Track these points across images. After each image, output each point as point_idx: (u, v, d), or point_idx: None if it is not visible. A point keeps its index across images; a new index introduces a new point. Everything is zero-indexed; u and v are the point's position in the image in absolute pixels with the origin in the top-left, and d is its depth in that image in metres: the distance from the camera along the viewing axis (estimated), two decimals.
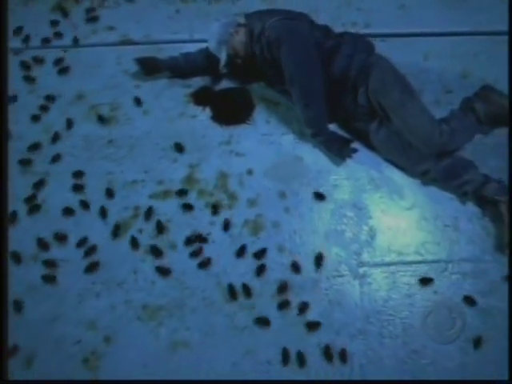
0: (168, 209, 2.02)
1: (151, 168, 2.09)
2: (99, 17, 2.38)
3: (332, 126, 2.08)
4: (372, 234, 1.98)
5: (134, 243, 1.97)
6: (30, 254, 1.96)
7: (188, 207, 2.01)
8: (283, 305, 1.87)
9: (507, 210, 1.88)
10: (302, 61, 1.95)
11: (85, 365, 1.83)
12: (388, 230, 1.98)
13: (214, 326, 1.86)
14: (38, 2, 2.43)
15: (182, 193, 2.04)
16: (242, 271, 1.93)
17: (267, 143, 2.13)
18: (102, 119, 2.16)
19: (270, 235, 1.97)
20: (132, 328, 1.87)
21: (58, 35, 2.33)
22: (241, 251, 1.94)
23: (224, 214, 2.01)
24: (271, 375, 1.81)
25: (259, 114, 2.18)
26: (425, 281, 1.89)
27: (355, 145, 2.05)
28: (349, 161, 2.06)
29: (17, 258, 1.95)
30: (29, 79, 2.26)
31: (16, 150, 2.12)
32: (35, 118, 2.17)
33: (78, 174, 2.07)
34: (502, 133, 2.06)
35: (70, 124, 2.15)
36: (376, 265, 1.94)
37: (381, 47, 2.10)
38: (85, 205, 2.03)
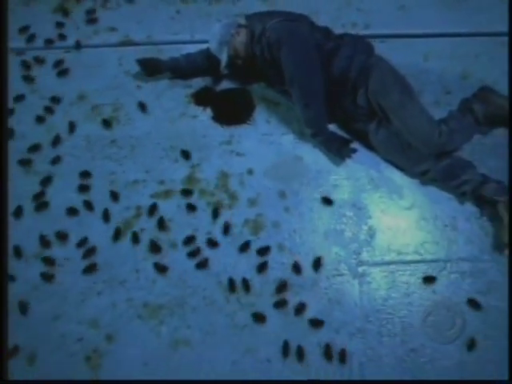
0: (169, 208, 2.03)
1: (153, 168, 2.10)
2: (101, 18, 2.39)
3: (332, 127, 2.09)
4: (371, 234, 1.99)
5: (135, 240, 1.98)
6: (32, 252, 1.98)
7: (191, 207, 2.02)
8: (281, 304, 1.89)
9: (505, 209, 1.89)
10: (302, 62, 1.96)
11: (87, 363, 1.85)
12: (387, 229, 2.00)
13: (215, 325, 1.88)
14: (40, 3, 2.43)
15: (187, 192, 2.05)
16: (242, 270, 1.94)
17: (267, 143, 2.14)
18: (106, 123, 2.17)
19: (270, 234, 1.99)
20: (133, 326, 1.89)
21: (62, 37, 2.33)
22: (244, 247, 1.96)
23: (225, 214, 2.02)
24: (271, 373, 1.82)
25: (259, 114, 2.19)
26: (428, 279, 1.90)
27: (355, 145, 2.06)
28: (348, 161, 2.07)
29: (18, 254, 1.97)
30: (30, 79, 2.26)
31: (18, 149, 2.13)
32: (39, 119, 2.19)
33: (82, 174, 2.08)
34: (500, 133, 2.07)
35: (72, 127, 2.16)
36: (375, 264, 1.95)
37: (381, 48, 2.10)
38: (87, 205, 2.04)
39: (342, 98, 2.04)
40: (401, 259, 1.95)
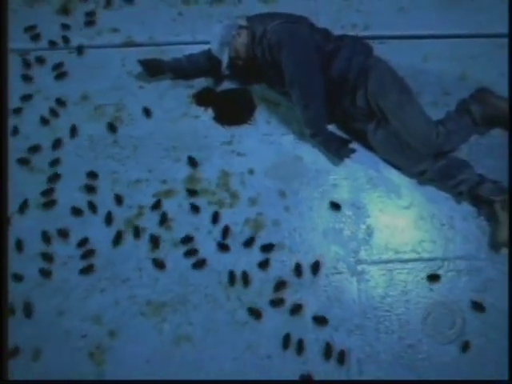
0: (171, 207, 2.06)
1: (155, 167, 2.12)
2: (103, 19, 2.39)
3: (331, 127, 2.11)
4: (370, 233, 2.02)
5: (137, 235, 2.01)
6: (34, 249, 2.01)
7: (192, 206, 2.05)
8: (278, 302, 1.91)
9: (502, 209, 1.91)
10: (302, 63, 1.98)
11: (90, 358, 1.88)
12: (385, 228, 2.02)
13: (216, 322, 1.91)
14: (43, 4, 2.44)
15: (188, 192, 2.07)
16: (243, 268, 1.97)
17: (268, 143, 2.16)
18: (112, 127, 2.18)
19: (270, 233, 2.01)
20: (136, 323, 1.92)
21: (65, 38, 2.35)
22: (249, 242, 1.99)
23: (226, 213, 2.05)
24: (271, 369, 1.85)
25: (260, 114, 2.20)
26: (432, 277, 1.93)
27: (354, 145, 2.08)
28: (347, 161, 2.09)
29: (20, 249, 2.00)
30: (30, 79, 2.28)
31: (19, 148, 2.15)
32: (43, 119, 2.20)
33: (89, 175, 2.11)
34: (497, 133, 2.09)
35: (74, 130, 2.18)
36: (373, 262, 1.98)
37: (380, 49, 2.12)
38: (90, 204, 2.07)
39: (341, 98, 2.06)
40: (398, 258, 1.98)
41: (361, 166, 2.10)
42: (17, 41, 2.34)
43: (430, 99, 2.15)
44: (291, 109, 2.15)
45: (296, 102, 2.04)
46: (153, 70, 2.24)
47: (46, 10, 2.43)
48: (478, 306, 1.88)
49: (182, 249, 2.00)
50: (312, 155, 2.13)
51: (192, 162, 2.12)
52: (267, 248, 1.98)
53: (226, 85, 2.26)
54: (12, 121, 2.20)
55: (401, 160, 2.05)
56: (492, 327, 1.87)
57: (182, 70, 2.25)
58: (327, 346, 1.86)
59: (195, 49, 2.26)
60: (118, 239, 2.01)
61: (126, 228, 2.03)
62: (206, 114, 2.22)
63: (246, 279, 1.94)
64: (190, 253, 1.99)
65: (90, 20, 2.39)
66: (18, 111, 2.22)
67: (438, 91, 2.20)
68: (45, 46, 2.35)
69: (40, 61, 2.31)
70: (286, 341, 1.87)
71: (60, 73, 2.29)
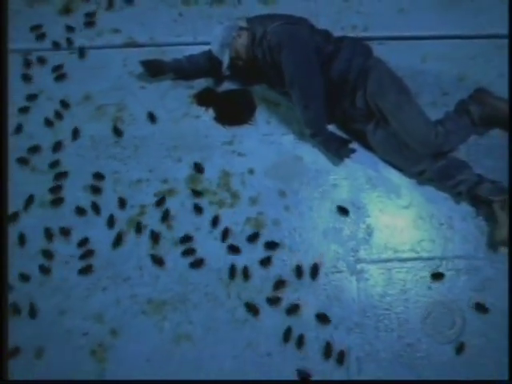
0: (172, 207, 2.07)
1: (156, 167, 2.14)
2: (104, 20, 2.40)
3: (331, 127, 2.12)
4: (369, 232, 2.03)
5: (139, 231, 2.02)
6: (36, 247, 2.03)
7: (194, 206, 2.06)
8: (277, 300, 1.92)
9: (501, 209, 1.93)
10: (302, 64, 2.00)
11: (92, 356, 1.89)
12: (385, 228, 2.03)
13: (216, 320, 1.92)
14: (45, 4, 2.45)
15: (193, 192, 2.08)
16: (243, 268, 1.98)
17: (268, 143, 2.17)
18: (117, 131, 2.19)
19: (271, 232, 2.03)
20: (137, 322, 1.93)
21: (68, 40, 2.35)
22: (253, 237, 2.00)
23: (226, 213, 2.06)
24: (272, 367, 1.87)
25: (260, 114, 2.21)
26: (436, 276, 1.94)
27: (353, 145, 2.10)
28: (347, 161, 2.10)
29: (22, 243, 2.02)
30: (30, 79, 2.29)
31: (20, 148, 2.17)
32: (47, 120, 2.21)
33: (95, 176, 2.12)
34: (496, 134, 2.11)
35: (76, 132, 2.19)
36: (373, 261, 1.99)
37: (379, 50, 2.13)
38: (93, 205, 2.08)
39: (341, 99, 2.07)
40: (398, 257, 1.99)
41: (360, 166, 2.11)
42: (18, 41, 2.35)
43: (428, 100, 2.17)
44: (291, 109, 2.16)
45: (296, 102, 2.05)
46: (154, 70, 2.25)
47: (47, 11, 2.44)
48: (480, 308, 1.89)
49: (182, 248, 2.02)
50: (312, 155, 2.14)
51: (198, 168, 2.12)
52: (271, 246, 1.99)
53: (227, 85, 2.27)
54: (16, 119, 2.21)
55: (400, 160, 2.07)
56: (491, 327, 1.88)
57: (182, 71, 2.26)
58: (327, 345, 1.87)
59: (196, 49, 2.27)
60: (118, 240, 2.02)
61: (127, 228, 2.04)
62: (207, 115, 2.23)
63: (246, 274, 1.95)
64: (190, 252, 2.00)
65: (90, 21, 2.40)
66: (24, 110, 2.23)
67: (437, 92, 2.21)
68: (48, 47, 2.36)
69: (41, 61, 2.32)
70: (286, 335, 1.88)
71: (61, 74, 2.30)
